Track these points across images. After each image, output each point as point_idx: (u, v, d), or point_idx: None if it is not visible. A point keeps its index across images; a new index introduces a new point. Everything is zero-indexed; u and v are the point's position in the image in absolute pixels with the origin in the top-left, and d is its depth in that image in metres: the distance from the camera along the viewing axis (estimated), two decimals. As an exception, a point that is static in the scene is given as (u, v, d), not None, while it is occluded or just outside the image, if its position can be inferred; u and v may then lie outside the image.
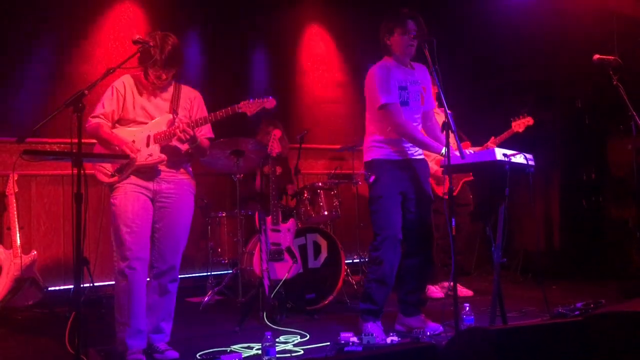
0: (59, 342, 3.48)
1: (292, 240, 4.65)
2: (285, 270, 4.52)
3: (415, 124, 3.82)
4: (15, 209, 4.79)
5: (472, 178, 5.11)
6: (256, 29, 6.46)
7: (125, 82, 3.44)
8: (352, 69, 6.97)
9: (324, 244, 4.92)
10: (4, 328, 4.39)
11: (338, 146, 5.93)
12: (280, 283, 4.40)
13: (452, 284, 4.89)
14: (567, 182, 6.53)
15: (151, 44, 3.27)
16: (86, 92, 2.80)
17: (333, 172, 5.64)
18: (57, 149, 5.19)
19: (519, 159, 3.58)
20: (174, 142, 3.41)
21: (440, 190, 4.95)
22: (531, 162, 3.74)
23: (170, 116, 3.43)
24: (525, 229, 6.38)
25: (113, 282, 5.18)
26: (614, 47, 5.56)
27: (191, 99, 3.59)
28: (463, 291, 5.06)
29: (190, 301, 5.29)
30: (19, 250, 4.72)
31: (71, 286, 5.06)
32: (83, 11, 5.61)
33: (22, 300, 4.65)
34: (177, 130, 3.30)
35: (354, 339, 3.42)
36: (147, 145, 3.36)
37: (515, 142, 4.94)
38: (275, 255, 4.54)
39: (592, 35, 5.82)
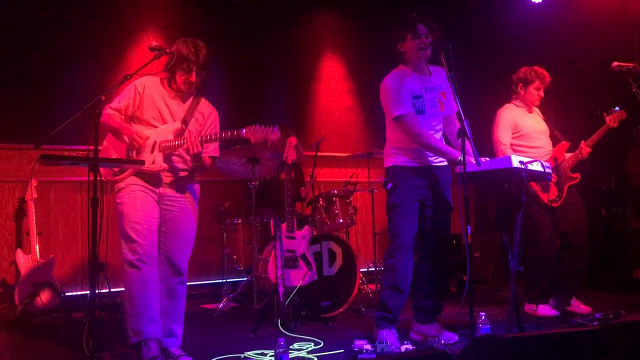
0: (76, 347, 3.49)
1: (307, 247, 4.64)
2: (300, 278, 4.51)
3: (432, 131, 3.80)
4: (34, 214, 4.86)
5: (576, 181, 4.73)
6: (273, 38, 6.49)
7: (146, 83, 3.47)
8: (368, 77, 6.95)
9: (339, 251, 4.91)
10: (22, 332, 4.43)
11: (354, 154, 5.92)
12: (295, 290, 4.39)
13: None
14: (587, 191, 6.44)
15: (184, 51, 3.33)
16: (103, 98, 2.84)
17: (349, 179, 5.63)
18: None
19: (536, 166, 3.55)
20: (180, 152, 3.45)
21: (546, 197, 4.63)
22: (548, 170, 3.70)
23: (179, 125, 3.46)
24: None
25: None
26: (634, 54, 5.50)
27: (206, 115, 3.61)
28: (581, 307, 4.67)
29: (205, 308, 5.31)
30: (38, 255, 4.77)
31: (88, 291, 5.10)
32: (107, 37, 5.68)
33: (39, 305, 4.69)
34: (189, 143, 3.32)
35: (368, 347, 3.41)
36: (152, 151, 3.39)
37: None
38: (290, 262, 4.53)
39: (611, 43, 5.77)
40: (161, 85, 3.50)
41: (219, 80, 6.02)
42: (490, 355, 2.40)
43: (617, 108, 4.61)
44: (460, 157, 3.47)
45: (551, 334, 2.68)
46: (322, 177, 6.34)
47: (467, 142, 3.35)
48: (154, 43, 3.22)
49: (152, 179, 3.43)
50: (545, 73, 4.76)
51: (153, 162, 3.38)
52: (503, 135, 4.65)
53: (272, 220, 4.59)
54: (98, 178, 2.79)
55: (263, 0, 6.41)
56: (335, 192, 5.12)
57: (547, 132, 4.83)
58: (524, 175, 3.48)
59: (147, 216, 3.38)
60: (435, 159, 3.81)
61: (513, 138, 4.67)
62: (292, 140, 4.73)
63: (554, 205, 4.65)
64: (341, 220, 5.01)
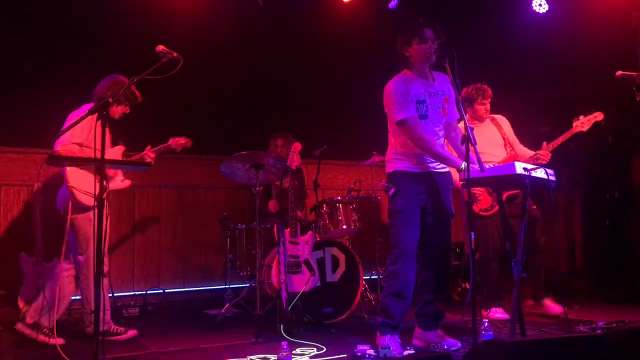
0: (78, 350, 3.48)
1: (310, 253, 4.65)
2: (302, 283, 4.52)
3: (435, 137, 3.81)
4: (39, 218, 4.87)
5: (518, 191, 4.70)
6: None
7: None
8: (373, 83, 6.95)
9: (342, 258, 4.92)
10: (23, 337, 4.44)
11: (358, 161, 5.92)
12: (298, 296, 4.39)
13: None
14: (590, 201, 6.44)
15: (132, 90, 4.25)
16: (110, 100, 2.86)
17: (352, 186, 5.64)
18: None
19: (540, 173, 3.55)
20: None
21: (476, 207, 4.82)
22: (552, 178, 3.71)
23: (123, 147, 4.39)
24: (547, 248, 6.28)
25: (131, 293, 5.32)
26: (638, 63, 5.51)
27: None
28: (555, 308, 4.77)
29: (208, 313, 5.31)
30: (42, 259, 4.78)
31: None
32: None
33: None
34: (149, 158, 4.34)
35: (371, 352, 3.41)
36: (115, 173, 4.26)
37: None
38: (293, 267, 4.54)
39: (615, 52, 5.79)
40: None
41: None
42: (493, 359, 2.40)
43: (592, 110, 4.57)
44: (462, 165, 3.48)
45: (553, 339, 2.68)
46: (325, 184, 6.34)
47: (470, 148, 3.37)
48: (161, 47, 3.23)
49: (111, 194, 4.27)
50: (485, 87, 4.90)
51: (122, 181, 4.33)
52: None
53: (275, 225, 4.60)
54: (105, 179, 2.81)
55: None
56: (339, 198, 5.12)
57: (501, 143, 4.92)
58: (528, 182, 3.48)
59: None
60: (437, 165, 3.82)
61: None
62: (297, 146, 4.75)
63: (483, 214, 4.78)
64: (344, 227, 5.01)
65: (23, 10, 5.31)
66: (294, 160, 4.70)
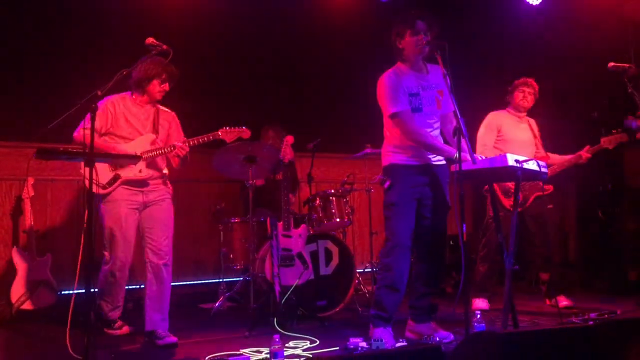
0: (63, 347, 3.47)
1: (303, 246, 4.64)
2: (296, 276, 4.52)
3: (429, 129, 3.80)
4: (31, 212, 4.86)
5: (547, 192, 4.89)
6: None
7: (115, 102, 3.96)
8: (366, 75, 6.93)
9: (335, 250, 4.92)
10: (18, 330, 4.43)
11: (351, 154, 5.92)
12: (291, 289, 4.39)
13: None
14: (583, 193, 6.47)
15: (160, 64, 3.81)
16: (99, 93, 2.85)
17: (345, 179, 5.63)
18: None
19: (532, 165, 3.55)
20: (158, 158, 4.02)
21: (507, 202, 4.82)
22: (544, 170, 3.71)
23: (154, 136, 4.02)
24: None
25: (126, 287, 5.30)
26: (630, 55, 5.52)
27: (169, 121, 4.14)
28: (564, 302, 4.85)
29: (202, 307, 5.30)
30: (34, 253, 4.77)
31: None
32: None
33: (35, 303, 4.69)
34: (178, 149, 3.88)
35: (363, 344, 3.41)
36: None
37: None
38: (286, 260, 4.54)
39: (607, 44, 5.79)
40: (128, 101, 4.02)
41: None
42: (484, 351, 2.40)
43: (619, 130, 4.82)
44: (456, 155, 3.47)
45: (545, 330, 2.69)
46: (319, 177, 6.33)
47: (462, 140, 3.36)
48: (151, 39, 3.22)
49: (139, 185, 3.96)
50: (530, 80, 5.02)
51: (140, 171, 3.93)
52: (485, 136, 4.91)
53: (268, 218, 4.60)
54: (94, 173, 2.79)
55: None
56: (332, 191, 5.12)
57: (533, 145, 5.01)
58: (520, 173, 3.48)
59: (130, 230, 3.98)
60: (434, 157, 3.81)
61: (496, 142, 4.92)
62: (289, 139, 4.73)
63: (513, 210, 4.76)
64: (338, 220, 5.00)
65: (14, 5, 5.27)
66: (287, 153, 4.69)
